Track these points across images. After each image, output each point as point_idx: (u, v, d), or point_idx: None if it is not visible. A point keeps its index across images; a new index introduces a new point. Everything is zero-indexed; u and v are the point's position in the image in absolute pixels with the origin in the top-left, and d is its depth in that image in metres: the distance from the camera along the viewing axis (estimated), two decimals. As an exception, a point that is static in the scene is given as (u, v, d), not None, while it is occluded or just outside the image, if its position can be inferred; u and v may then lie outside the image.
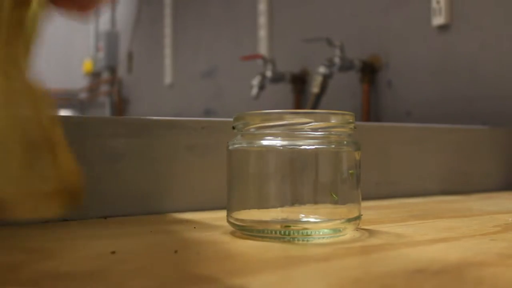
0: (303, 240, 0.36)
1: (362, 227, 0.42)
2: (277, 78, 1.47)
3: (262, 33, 1.63)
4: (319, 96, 1.28)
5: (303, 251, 0.33)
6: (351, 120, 0.40)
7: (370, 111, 1.24)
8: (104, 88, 2.81)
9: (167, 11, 2.21)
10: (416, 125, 0.80)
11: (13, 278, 0.26)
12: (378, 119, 1.23)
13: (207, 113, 1.91)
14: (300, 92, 1.47)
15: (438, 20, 1.07)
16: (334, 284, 0.25)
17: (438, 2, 1.07)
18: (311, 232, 0.37)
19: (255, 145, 0.38)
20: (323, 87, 1.27)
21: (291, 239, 0.36)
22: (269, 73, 1.46)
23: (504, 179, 0.83)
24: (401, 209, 0.57)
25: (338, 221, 0.38)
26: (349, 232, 0.39)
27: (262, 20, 1.63)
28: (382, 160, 0.70)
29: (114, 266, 0.28)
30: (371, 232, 0.41)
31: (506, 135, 0.85)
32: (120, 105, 2.60)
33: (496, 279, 0.27)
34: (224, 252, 0.32)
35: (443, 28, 1.08)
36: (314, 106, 1.28)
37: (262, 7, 1.63)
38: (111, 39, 2.71)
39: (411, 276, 0.27)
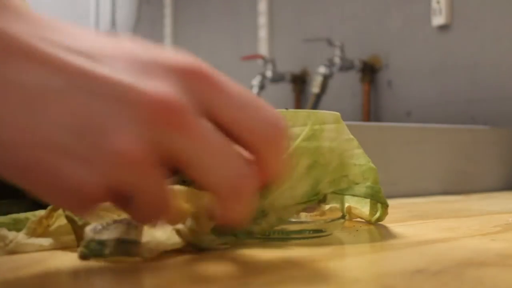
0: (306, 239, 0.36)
1: (362, 227, 0.42)
2: (277, 78, 1.47)
3: (262, 33, 1.63)
4: (319, 96, 1.28)
5: (302, 251, 0.33)
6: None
7: (370, 111, 1.24)
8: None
9: (167, 11, 2.21)
10: (416, 125, 0.80)
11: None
12: (378, 119, 1.23)
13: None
14: (300, 92, 1.47)
15: (438, 20, 1.07)
16: (334, 284, 0.25)
17: (438, 2, 1.07)
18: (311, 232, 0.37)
19: None
20: (323, 87, 1.27)
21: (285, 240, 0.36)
22: (269, 73, 1.47)
23: (504, 179, 0.83)
24: (401, 209, 0.57)
25: (340, 221, 0.38)
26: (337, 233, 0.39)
27: (262, 20, 1.63)
28: (382, 160, 0.70)
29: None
30: (371, 232, 0.41)
31: (506, 135, 0.85)
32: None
33: (496, 279, 0.27)
34: (222, 252, 0.32)
35: (443, 28, 1.08)
36: (314, 106, 1.28)
37: (262, 7, 1.63)
38: (111, 39, 2.71)
39: (411, 276, 0.27)
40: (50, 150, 0.22)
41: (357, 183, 0.36)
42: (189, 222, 0.32)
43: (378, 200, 0.38)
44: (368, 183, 0.37)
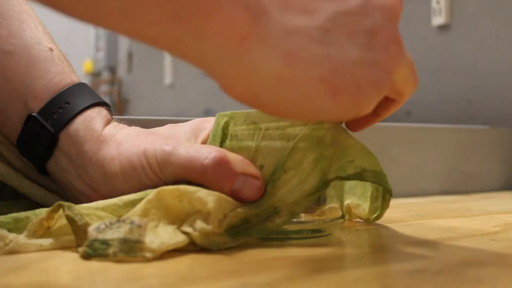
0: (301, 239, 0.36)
1: (361, 227, 0.42)
2: (277, 78, 1.47)
3: (262, 33, 1.63)
4: (319, 96, 1.28)
5: (302, 251, 0.33)
6: None
7: (370, 111, 1.24)
8: (104, 88, 2.82)
9: (167, 11, 2.21)
10: (416, 125, 0.80)
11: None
12: (378, 119, 1.23)
13: (207, 113, 1.91)
14: (300, 92, 1.47)
15: (438, 20, 1.07)
16: (334, 284, 0.25)
17: (438, 2, 1.07)
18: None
19: None
20: (323, 87, 1.27)
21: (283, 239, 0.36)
22: (269, 73, 1.46)
23: (504, 179, 0.83)
24: (401, 209, 0.57)
25: (341, 220, 0.38)
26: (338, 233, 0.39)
27: (262, 20, 1.63)
28: (382, 160, 0.69)
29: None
30: (370, 232, 0.41)
31: (506, 135, 0.85)
32: (120, 105, 2.60)
33: (496, 279, 0.27)
34: (221, 252, 0.32)
35: (443, 28, 1.08)
36: (314, 106, 1.27)
37: (262, 7, 1.63)
38: (111, 39, 2.71)
39: (411, 276, 0.27)
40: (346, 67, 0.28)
41: (363, 169, 0.36)
42: (198, 224, 0.31)
43: (384, 185, 0.38)
44: (373, 168, 0.37)
